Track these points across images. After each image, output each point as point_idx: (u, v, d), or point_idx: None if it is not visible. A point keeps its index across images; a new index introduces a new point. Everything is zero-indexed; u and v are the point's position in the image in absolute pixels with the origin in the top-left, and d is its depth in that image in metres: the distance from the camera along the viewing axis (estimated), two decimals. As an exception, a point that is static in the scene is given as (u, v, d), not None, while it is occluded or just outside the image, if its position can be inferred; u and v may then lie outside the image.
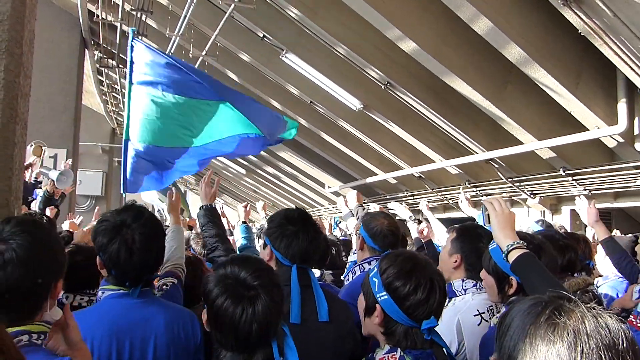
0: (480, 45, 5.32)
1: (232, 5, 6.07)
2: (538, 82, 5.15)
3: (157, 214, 5.81)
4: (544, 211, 7.89)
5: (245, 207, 3.93)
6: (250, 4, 5.99)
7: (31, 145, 6.72)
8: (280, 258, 1.96)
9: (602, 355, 0.85)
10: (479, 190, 8.23)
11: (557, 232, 2.97)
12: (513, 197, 8.26)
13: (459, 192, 8.69)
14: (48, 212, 5.24)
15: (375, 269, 1.65)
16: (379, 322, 1.60)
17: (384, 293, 1.58)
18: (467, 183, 8.28)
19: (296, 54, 7.13)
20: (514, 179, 7.42)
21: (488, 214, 1.90)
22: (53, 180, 6.05)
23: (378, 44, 6.16)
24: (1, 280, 1.41)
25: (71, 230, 4.84)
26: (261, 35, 7.22)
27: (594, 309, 0.92)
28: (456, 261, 2.34)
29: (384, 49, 6.21)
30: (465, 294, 2.29)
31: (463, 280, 2.32)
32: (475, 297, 2.26)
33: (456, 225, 2.47)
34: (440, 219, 4.40)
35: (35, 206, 5.92)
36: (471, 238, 2.38)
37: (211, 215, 2.74)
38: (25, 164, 6.08)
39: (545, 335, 0.90)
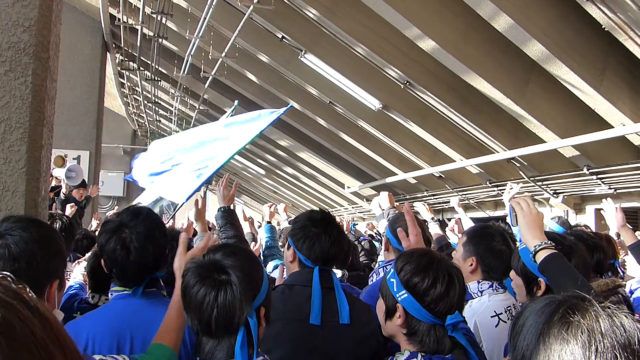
0: (500, 43, 5.27)
1: (251, 7, 6.11)
2: (560, 79, 5.08)
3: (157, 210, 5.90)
4: (567, 210, 7.78)
5: (270, 207, 3.95)
6: (269, 5, 6.02)
7: (52, 155, 6.84)
8: (303, 259, 1.96)
9: (617, 355, 0.84)
10: (500, 190, 8.15)
11: (584, 231, 2.93)
12: (535, 197, 8.17)
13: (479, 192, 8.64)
14: (68, 210, 5.32)
15: (392, 270, 1.63)
16: (402, 322, 1.57)
17: (404, 291, 1.56)
18: (488, 182, 8.21)
19: (315, 54, 7.14)
20: (536, 178, 7.33)
21: (516, 215, 1.88)
22: (64, 179, 6.18)
23: (397, 43, 6.14)
24: None
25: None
26: (280, 36, 7.26)
27: (609, 308, 0.90)
28: (472, 264, 2.30)
29: (403, 48, 6.19)
30: (481, 295, 2.26)
31: (479, 282, 2.28)
32: (492, 298, 2.23)
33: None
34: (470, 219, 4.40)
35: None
36: (483, 238, 2.34)
37: (229, 217, 2.75)
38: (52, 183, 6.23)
39: (559, 334, 0.89)
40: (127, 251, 1.87)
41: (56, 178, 6.62)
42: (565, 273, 1.67)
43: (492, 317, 2.15)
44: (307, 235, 1.96)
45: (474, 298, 2.26)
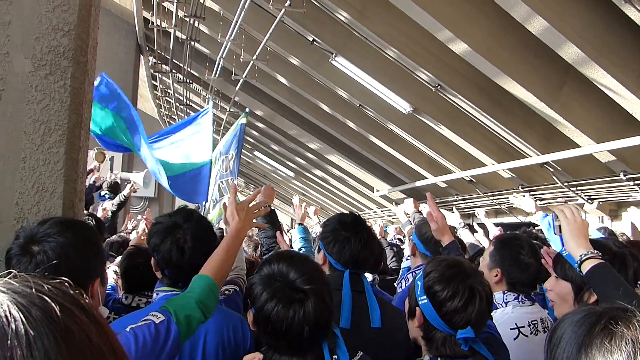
0: (534, 45, 5.18)
1: (283, 10, 6.14)
2: (596, 83, 4.97)
3: None
4: (602, 217, 7.60)
5: (301, 205, 3.92)
6: (301, 8, 6.04)
7: (94, 151, 7.02)
8: (333, 263, 1.97)
9: None
10: (533, 195, 8.00)
11: (616, 239, 2.84)
12: (569, 202, 8.00)
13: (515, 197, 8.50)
14: (100, 212, 5.42)
15: (421, 272, 1.65)
16: (419, 325, 1.60)
17: (424, 297, 1.57)
18: (520, 187, 8.08)
19: (346, 57, 7.14)
20: (570, 183, 7.18)
21: (559, 224, 1.83)
22: (135, 184, 6.33)
23: (428, 45, 6.09)
24: None
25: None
26: (311, 39, 7.28)
27: None
28: (497, 275, 2.26)
29: (434, 51, 6.14)
30: (505, 306, 2.22)
31: (504, 293, 2.24)
32: (516, 310, 2.19)
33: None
34: (497, 224, 4.32)
35: (108, 206, 6.15)
36: (510, 250, 2.30)
37: (270, 217, 2.78)
38: (87, 169, 6.40)
39: (601, 345, 0.87)
40: (182, 252, 1.94)
41: (127, 181, 6.76)
42: (614, 284, 1.61)
43: (511, 329, 2.11)
44: (337, 239, 1.97)
45: (498, 308, 2.22)
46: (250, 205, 1.97)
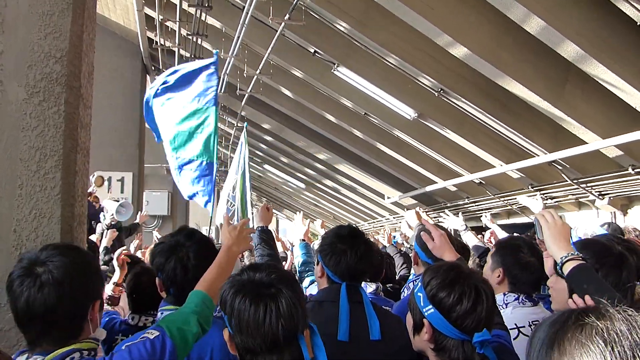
0: (534, 45, 5.17)
1: (282, 24, 6.19)
2: (598, 79, 4.94)
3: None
4: (614, 212, 7.51)
5: (304, 220, 3.95)
6: (300, 21, 6.09)
7: (93, 176, 7.13)
8: (330, 275, 1.98)
9: (637, 355, 0.80)
10: (544, 194, 7.94)
11: (615, 236, 2.79)
12: (580, 199, 7.92)
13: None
14: (109, 235, 5.49)
15: (419, 284, 1.60)
16: (429, 337, 1.54)
17: (430, 306, 1.53)
18: (530, 187, 8.02)
19: (348, 67, 7.17)
20: (579, 180, 7.12)
21: (541, 227, 1.84)
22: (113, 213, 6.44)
23: (429, 51, 6.10)
24: (40, 301, 1.48)
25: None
26: (312, 50, 7.32)
27: (626, 311, 0.87)
28: (499, 276, 2.28)
29: (435, 56, 6.14)
30: (506, 307, 2.21)
31: (504, 294, 2.24)
32: (516, 311, 2.19)
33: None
34: (504, 225, 4.29)
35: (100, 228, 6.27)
36: (511, 250, 2.32)
37: (265, 236, 2.79)
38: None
39: (573, 338, 0.85)
40: (186, 270, 1.98)
41: (103, 208, 6.87)
42: (594, 285, 1.61)
43: (511, 329, 2.10)
44: (334, 252, 1.98)
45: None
46: (243, 227, 2.03)
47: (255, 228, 2.85)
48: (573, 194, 7.62)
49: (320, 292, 2.02)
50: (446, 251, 2.15)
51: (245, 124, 6.13)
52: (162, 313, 2.04)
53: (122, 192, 10.77)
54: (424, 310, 1.55)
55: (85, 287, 1.59)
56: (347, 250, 1.97)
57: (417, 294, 1.60)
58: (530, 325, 2.12)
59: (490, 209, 9.44)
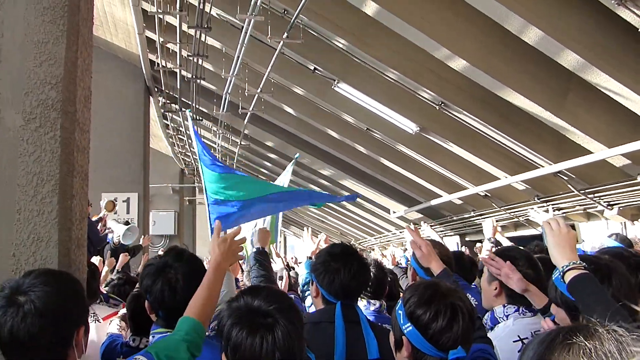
0: (534, 55, 5.17)
1: (281, 42, 6.23)
2: (600, 87, 4.92)
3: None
4: (624, 222, 7.43)
5: (313, 240, 3.92)
6: (298, 39, 6.12)
7: (103, 201, 7.20)
8: (325, 294, 1.96)
9: None
10: (550, 205, 7.88)
11: (626, 249, 2.75)
12: (588, 210, 7.86)
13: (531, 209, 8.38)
14: (95, 260, 5.50)
15: (400, 302, 1.62)
16: (408, 354, 1.55)
17: (409, 324, 1.54)
18: (536, 198, 7.97)
19: (348, 83, 7.20)
20: (587, 191, 7.06)
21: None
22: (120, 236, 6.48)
23: (428, 65, 6.11)
24: (24, 331, 1.47)
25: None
26: (312, 68, 7.36)
27: (616, 331, 0.84)
28: (496, 288, 2.26)
29: (434, 69, 6.15)
30: (507, 319, 2.19)
31: (504, 306, 2.22)
32: (517, 322, 2.16)
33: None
34: (511, 238, 4.24)
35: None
36: (506, 262, 2.28)
37: (261, 257, 2.79)
38: (97, 217, 6.55)
39: (560, 357, 0.84)
40: (174, 291, 1.93)
41: (109, 229, 6.89)
42: (594, 294, 1.58)
43: (514, 341, 2.08)
44: (327, 270, 1.97)
45: (499, 322, 2.19)
46: (233, 239, 1.96)
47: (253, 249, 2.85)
48: (581, 205, 7.55)
49: (316, 313, 2.00)
50: (433, 261, 2.19)
51: (297, 155, 6.23)
52: (153, 337, 2.02)
53: (127, 212, 10.80)
54: (403, 327, 1.57)
55: (69, 314, 1.58)
56: (341, 268, 1.95)
57: (397, 311, 1.62)
58: (532, 336, 2.09)
59: (497, 221, 9.37)
